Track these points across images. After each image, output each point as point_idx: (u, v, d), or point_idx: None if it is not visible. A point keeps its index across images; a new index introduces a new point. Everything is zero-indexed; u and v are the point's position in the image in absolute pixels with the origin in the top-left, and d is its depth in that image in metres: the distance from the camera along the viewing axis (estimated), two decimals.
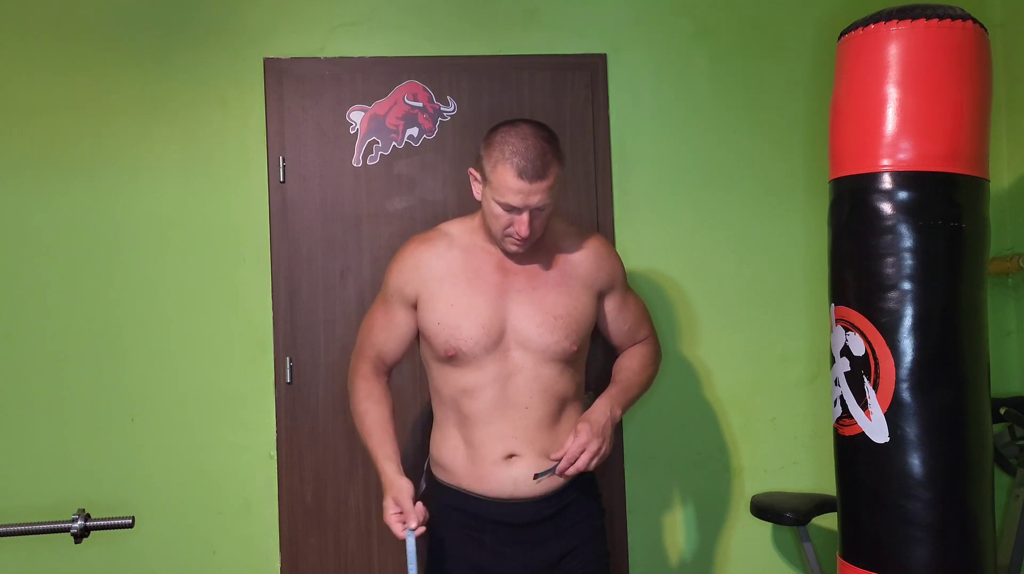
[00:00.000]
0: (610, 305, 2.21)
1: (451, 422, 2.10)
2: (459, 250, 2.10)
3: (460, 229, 2.15)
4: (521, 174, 1.94)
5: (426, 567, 2.20)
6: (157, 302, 2.69)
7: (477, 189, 2.06)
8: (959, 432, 1.96)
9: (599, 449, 2.01)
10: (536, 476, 2.03)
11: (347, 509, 2.71)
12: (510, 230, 2.00)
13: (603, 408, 2.07)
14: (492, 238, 2.08)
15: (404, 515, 1.92)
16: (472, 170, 2.07)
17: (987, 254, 2.04)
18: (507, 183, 1.95)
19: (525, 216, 1.97)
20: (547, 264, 2.11)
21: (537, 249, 2.10)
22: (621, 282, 2.23)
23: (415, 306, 2.11)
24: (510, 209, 1.97)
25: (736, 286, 2.87)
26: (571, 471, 2.00)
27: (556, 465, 2.01)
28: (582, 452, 1.99)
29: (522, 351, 2.05)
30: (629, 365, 2.23)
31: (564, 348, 2.06)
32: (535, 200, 1.96)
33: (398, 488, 1.94)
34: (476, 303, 2.05)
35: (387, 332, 2.14)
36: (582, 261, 2.15)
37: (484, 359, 2.04)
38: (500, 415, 2.05)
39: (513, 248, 2.04)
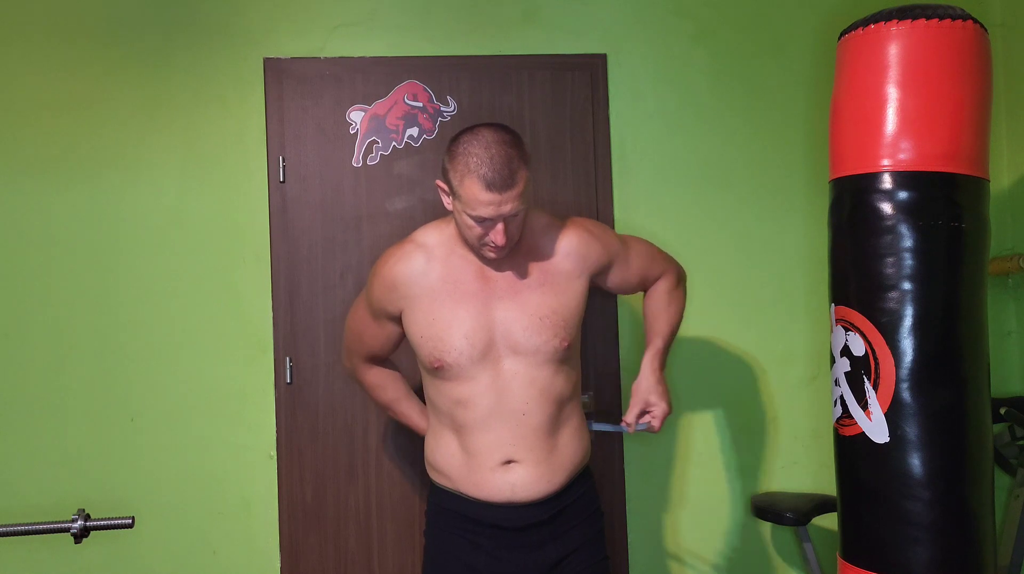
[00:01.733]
0: (613, 276, 2.19)
1: (447, 429, 2.09)
2: (437, 262, 2.05)
3: (437, 239, 2.08)
4: (489, 186, 1.88)
5: (422, 568, 2.21)
6: (157, 302, 2.69)
7: (447, 201, 2.00)
8: (959, 432, 1.96)
9: (663, 411, 2.16)
10: (593, 426, 2.21)
11: (347, 509, 2.72)
12: (487, 240, 1.95)
13: (648, 374, 2.19)
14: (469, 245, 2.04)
15: None
16: (439, 182, 2.01)
17: (987, 254, 2.04)
18: (476, 197, 1.89)
19: (500, 225, 1.92)
20: (529, 265, 2.06)
21: (516, 251, 2.04)
22: (617, 251, 2.18)
23: (399, 318, 2.10)
24: (482, 221, 1.92)
25: (736, 286, 2.87)
26: (642, 423, 2.17)
27: (619, 424, 2.18)
28: (654, 409, 2.16)
29: (513, 357, 2.02)
30: (654, 311, 2.28)
31: (555, 347, 2.02)
32: (507, 209, 1.90)
33: None
34: (458, 315, 2.01)
35: (379, 340, 2.19)
36: (567, 255, 2.08)
37: (474, 370, 2.01)
38: (497, 423, 2.02)
39: (492, 255, 1.99)
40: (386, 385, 2.29)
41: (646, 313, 2.29)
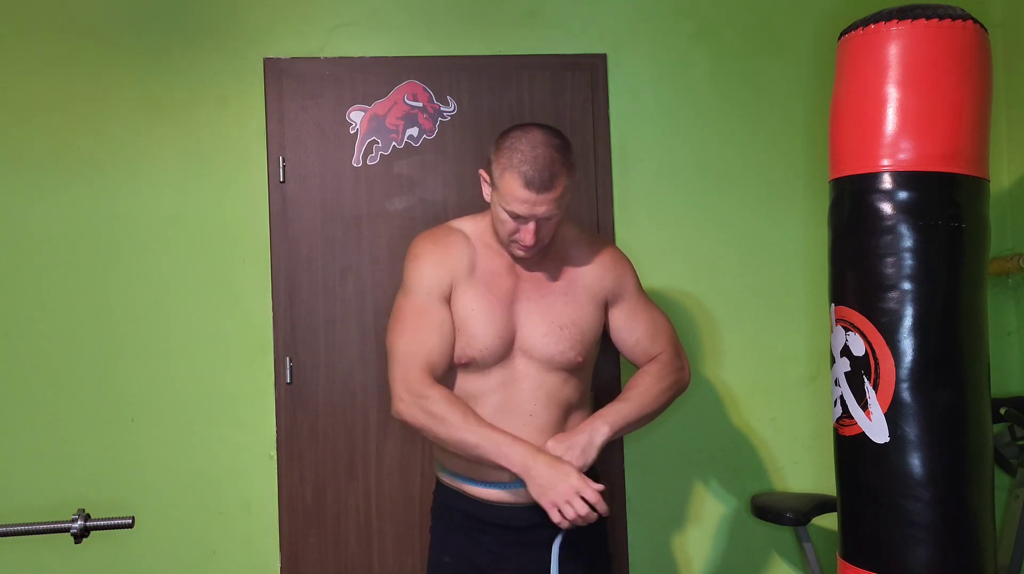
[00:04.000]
0: (615, 315, 2.14)
1: None
2: (476, 250, 2.06)
3: (472, 228, 2.09)
4: (528, 184, 1.89)
5: (426, 565, 2.21)
6: (157, 302, 2.69)
7: (487, 191, 2.02)
8: (959, 432, 1.96)
9: (566, 461, 1.91)
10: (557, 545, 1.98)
11: (347, 509, 2.72)
12: (516, 237, 1.97)
13: (587, 426, 1.99)
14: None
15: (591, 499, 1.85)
16: (482, 171, 2.03)
17: (987, 254, 2.04)
18: (513, 192, 1.91)
19: (531, 225, 1.94)
20: (555, 272, 2.08)
21: (545, 255, 2.06)
22: (630, 292, 2.15)
23: (449, 299, 2.01)
24: (516, 217, 1.94)
25: (736, 286, 2.87)
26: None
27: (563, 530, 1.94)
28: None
29: (526, 359, 2.03)
30: (635, 384, 2.10)
31: (569, 359, 2.03)
32: (541, 210, 1.92)
33: (575, 475, 1.86)
34: (492, 311, 2.01)
35: (438, 333, 1.97)
36: (588, 270, 2.10)
37: (491, 365, 2.02)
38: (503, 422, 2.01)
39: (520, 253, 2.01)
40: (458, 398, 1.95)
41: (627, 384, 2.12)
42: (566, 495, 1.85)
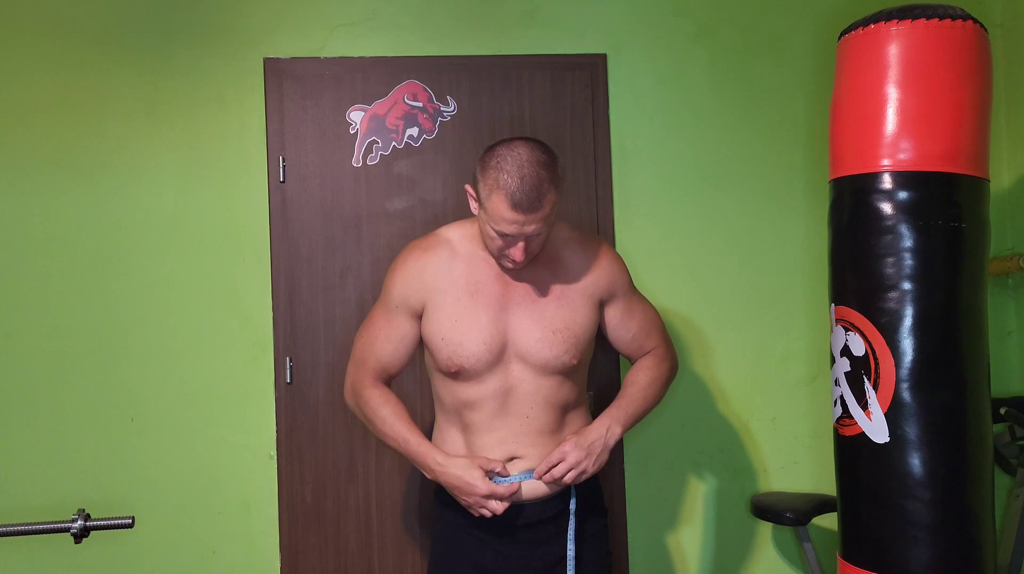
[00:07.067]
0: (611, 314, 2.15)
1: (454, 427, 2.10)
2: (461, 260, 2.06)
3: (460, 236, 2.10)
4: (515, 206, 1.88)
5: (428, 566, 2.21)
6: (157, 302, 2.69)
7: (474, 206, 2.01)
8: (959, 432, 1.96)
9: (583, 468, 2.01)
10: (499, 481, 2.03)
11: (347, 509, 2.72)
12: (506, 252, 1.97)
13: (600, 428, 2.05)
14: None
15: (488, 494, 1.97)
16: (468, 188, 2.01)
17: (987, 254, 2.04)
18: (501, 213, 1.90)
19: (521, 243, 1.93)
20: (547, 275, 2.07)
21: (536, 260, 2.06)
22: (624, 290, 2.17)
23: (420, 316, 2.07)
24: (504, 236, 1.93)
25: (736, 286, 2.87)
26: (547, 478, 2.01)
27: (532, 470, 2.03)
28: (561, 462, 2.00)
29: (522, 364, 2.03)
30: (635, 380, 2.16)
31: (564, 362, 2.04)
32: (530, 229, 1.91)
33: (468, 475, 1.98)
34: (479, 318, 2.01)
35: (392, 343, 2.09)
36: (581, 270, 2.10)
37: (485, 373, 2.02)
38: (502, 424, 2.04)
39: (509, 266, 2.01)
40: (391, 399, 2.09)
41: (624, 381, 2.19)
42: (477, 500, 1.98)
